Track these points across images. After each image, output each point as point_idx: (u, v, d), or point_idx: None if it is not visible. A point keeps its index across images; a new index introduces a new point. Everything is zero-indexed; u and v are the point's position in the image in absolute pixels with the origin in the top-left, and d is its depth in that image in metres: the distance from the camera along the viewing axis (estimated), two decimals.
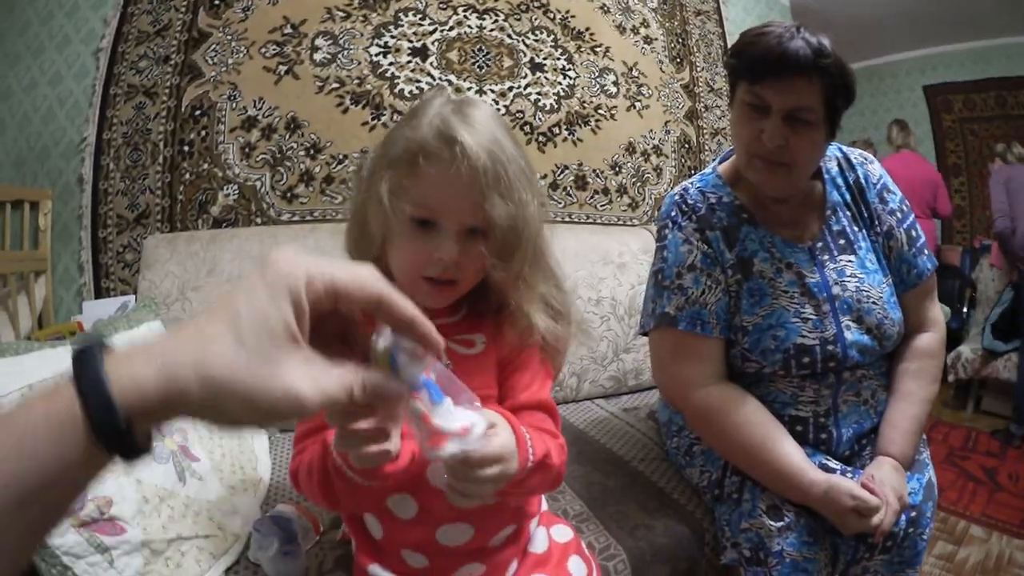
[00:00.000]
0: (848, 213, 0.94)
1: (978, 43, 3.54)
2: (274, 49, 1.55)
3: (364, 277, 0.31)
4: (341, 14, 1.62)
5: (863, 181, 0.95)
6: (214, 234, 1.34)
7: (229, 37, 1.53)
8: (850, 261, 0.91)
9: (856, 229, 0.94)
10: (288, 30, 1.57)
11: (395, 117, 1.62)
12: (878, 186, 0.96)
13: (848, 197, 0.95)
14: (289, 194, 1.55)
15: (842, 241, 0.92)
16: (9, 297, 1.32)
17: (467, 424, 0.41)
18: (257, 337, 0.27)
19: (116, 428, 0.25)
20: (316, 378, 0.29)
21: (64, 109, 1.46)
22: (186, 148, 1.48)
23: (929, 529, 0.87)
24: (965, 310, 2.96)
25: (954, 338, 2.73)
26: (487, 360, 0.68)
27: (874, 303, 0.89)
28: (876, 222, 0.94)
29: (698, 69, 2.14)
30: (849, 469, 0.86)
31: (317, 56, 1.58)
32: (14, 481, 0.23)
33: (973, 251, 3.15)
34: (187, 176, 1.48)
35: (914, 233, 0.95)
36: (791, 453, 0.83)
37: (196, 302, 1.19)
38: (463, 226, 0.60)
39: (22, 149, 1.48)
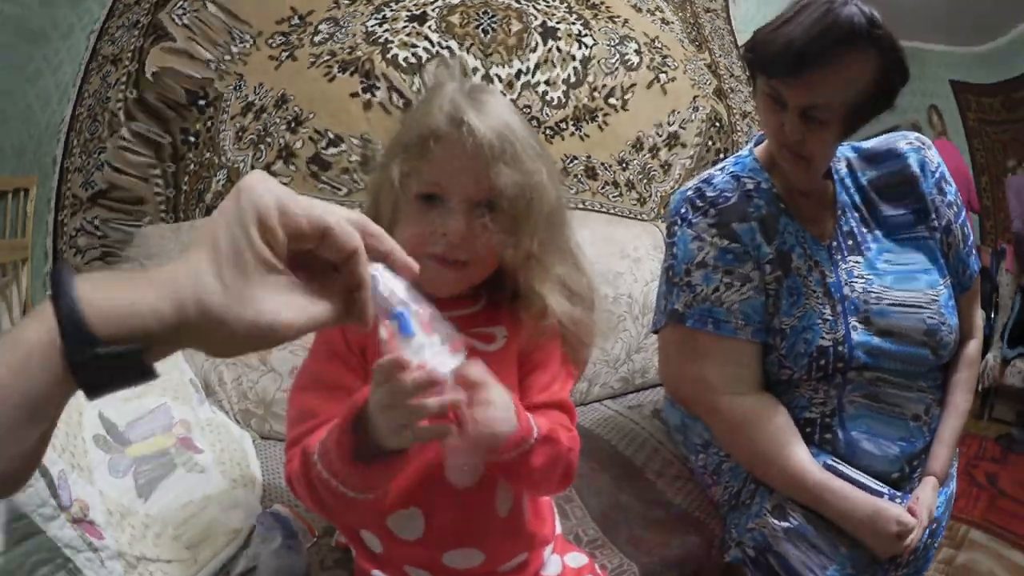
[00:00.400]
0: (856, 214, 0.91)
1: (984, 46, 3.41)
2: (280, 39, 1.51)
3: (344, 213, 0.33)
4: (347, 2, 1.56)
5: (917, 168, 0.89)
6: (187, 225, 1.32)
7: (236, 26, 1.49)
8: (857, 262, 0.88)
9: (864, 231, 0.90)
10: (295, 21, 1.52)
11: (390, 93, 1.54)
12: (936, 175, 0.90)
13: (857, 198, 0.92)
14: (267, 172, 1.49)
15: (850, 242, 0.89)
16: (7, 287, 1.32)
17: (430, 360, 0.42)
18: (232, 265, 0.28)
19: (88, 357, 0.26)
20: (299, 304, 0.31)
21: (58, 94, 1.43)
22: (191, 139, 1.45)
23: (940, 538, 0.87)
24: (993, 315, 2.93)
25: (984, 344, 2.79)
26: (508, 356, 0.65)
27: (899, 305, 0.85)
28: (934, 215, 0.89)
29: (716, 55, 2.03)
30: (898, 494, 0.82)
31: (317, 38, 1.52)
32: (23, 399, 0.26)
33: (997, 253, 3.13)
34: (191, 167, 1.45)
35: (967, 230, 0.92)
36: (830, 479, 0.80)
37: None
38: (469, 200, 0.60)
39: (24, 140, 1.46)
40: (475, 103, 0.59)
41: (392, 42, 1.56)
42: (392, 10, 1.59)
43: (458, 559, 0.63)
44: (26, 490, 0.59)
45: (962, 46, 3.46)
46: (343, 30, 1.55)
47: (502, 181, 0.57)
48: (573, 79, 1.75)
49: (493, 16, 1.67)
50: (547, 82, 1.72)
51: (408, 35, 1.58)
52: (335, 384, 0.61)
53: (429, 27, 1.60)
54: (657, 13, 1.94)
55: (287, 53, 1.50)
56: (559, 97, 1.73)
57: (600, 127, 1.78)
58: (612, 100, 1.79)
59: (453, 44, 1.62)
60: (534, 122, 1.69)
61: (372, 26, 1.56)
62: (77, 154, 1.40)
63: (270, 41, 1.50)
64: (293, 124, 1.49)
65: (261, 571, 0.75)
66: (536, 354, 0.66)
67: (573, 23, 1.76)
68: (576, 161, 1.76)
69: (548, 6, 1.74)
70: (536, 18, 1.72)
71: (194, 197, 1.46)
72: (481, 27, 1.65)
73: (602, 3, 1.83)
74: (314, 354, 0.66)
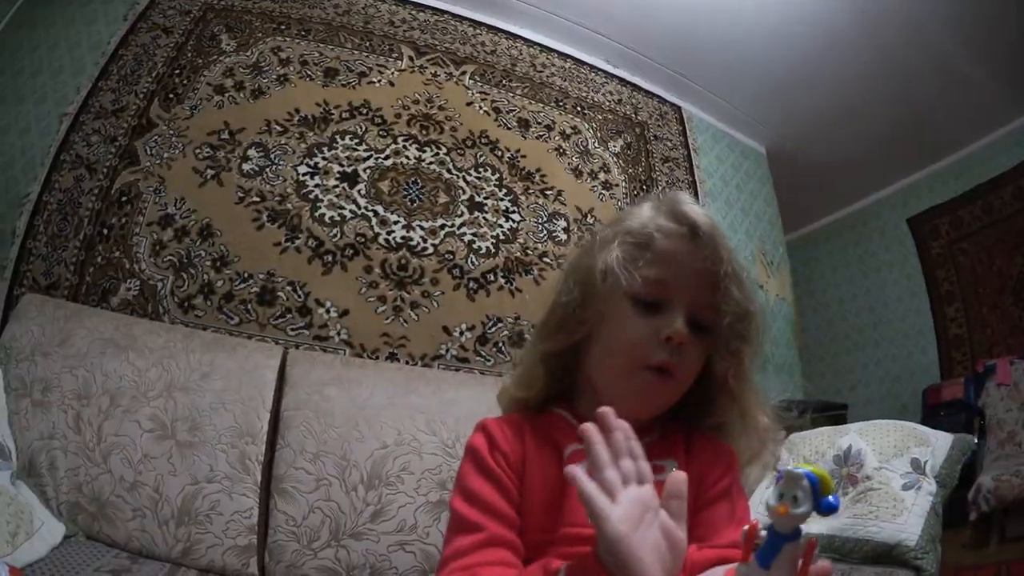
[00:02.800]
0: None
1: (957, 154, 3.39)
2: (207, 152, 1.57)
3: None
4: (278, 128, 1.62)
5: None
6: (78, 308, 1.30)
7: (171, 132, 1.56)
8: None
9: None
10: (225, 135, 1.59)
11: (309, 242, 1.56)
12: None
13: None
14: (186, 304, 1.46)
15: None
16: None
17: None
18: None
19: None
20: None
21: (23, 161, 1.51)
22: (105, 231, 1.47)
23: None
24: (976, 441, 2.91)
25: (965, 476, 2.67)
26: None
27: None
28: None
29: None
30: None
31: (246, 166, 1.59)
32: None
33: (976, 377, 2.91)
34: (99, 259, 1.45)
35: None
36: None
37: (42, 367, 1.11)
38: (693, 308, 0.57)
39: None
40: (687, 201, 0.58)
41: (322, 200, 1.62)
42: (324, 158, 1.66)
43: None
44: None
45: (934, 164, 3.49)
46: (273, 167, 1.61)
47: (732, 300, 0.56)
48: (503, 237, 1.76)
49: (422, 187, 1.74)
50: (475, 234, 1.71)
51: (338, 196, 1.64)
52: (487, 505, 0.55)
53: (359, 191, 1.66)
54: (601, 174, 1.99)
55: (213, 172, 1.55)
56: (488, 247, 1.70)
57: (536, 280, 1.72)
58: (547, 259, 1.77)
59: (379, 208, 1.66)
60: (456, 271, 1.65)
61: (303, 175, 1.62)
62: (43, 244, 1.44)
63: (197, 151, 1.56)
64: (219, 264, 1.50)
65: None
66: (713, 485, 0.58)
67: (501, 199, 1.81)
68: (500, 325, 1.65)
69: (479, 177, 1.80)
70: (464, 191, 1.77)
71: (96, 294, 1.43)
72: (408, 197, 1.71)
73: (538, 171, 1.88)
74: (466, 471, 0.60)
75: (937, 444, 1.39)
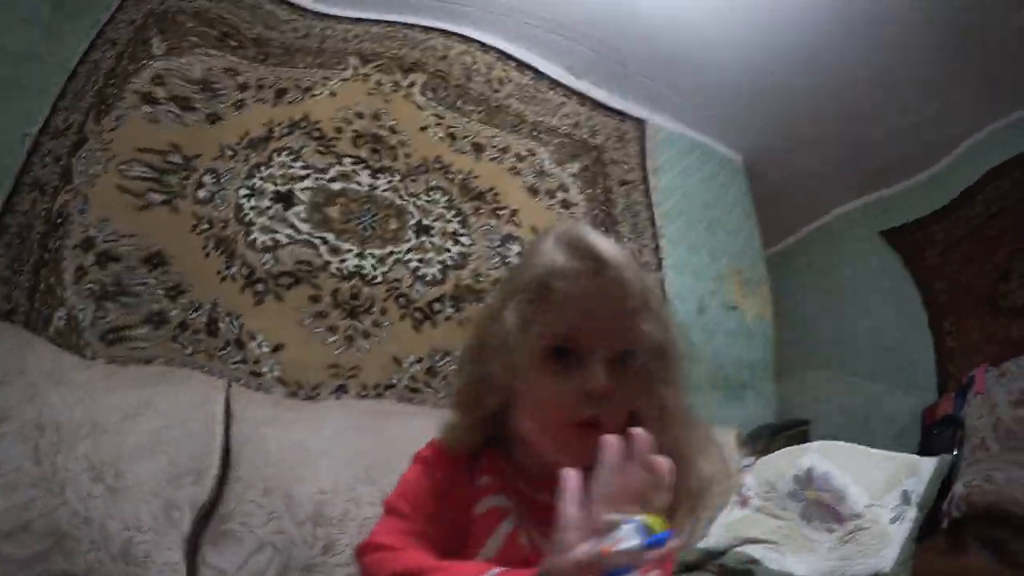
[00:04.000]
0: None
1: (932, 170, 3.40)
2: (141, 171, 1.50)
3: None
4: (230, 152, 1.59)
5: None
6: (30, 337, 1.26)
7: (98, 145, 1.49)
8: None
9: None
10: (177, 159, 1.54)
11: (243, 269, 1.52)
12: None
13: None
14: (111, 336, 1.39)
15: None
16: None
17: None
18: None
19: None
20: None
21: None
22: (46, 255, 1.41)
23: None
24: (955, 452, 2.90)
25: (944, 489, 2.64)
26: None
27: None
28: None
29: (624, 238, 2.04)
30: None
31: (201, 193, 1.55)
32: None
33: (962, 389, 2.88)
34: (42, 285, 1.39)
35: None
36: None
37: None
38: (613, 351, 0.53)
39: None
40: (590, 232, 0.54)
41: (255, 224, 1.57)
42: (261, 178, 1.60)
43: None
44: None
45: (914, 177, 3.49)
46: (222, 192, 1.57)
47: (647, 329, 0.52)
48: (451, 263, 1.73)
49: (375, 214, 1.70)
50: (421, 260, 1.69)
51: (271, 218, 1.58)
52: (417, 506, 0.56)
53: (296, 214, 1.61)
54: (559, 194, 1.98)
55: (164, 199, 1.50)
56: (434, 274, 1.68)
57: None
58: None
59: (330, 235, 1.62)
60: (402, 300, 1.63)
61: (243, 197, 1.58)
62: (3, 267, 1.38)
63: (123, 168, 1.47)
64: (173, 292, 1.45)
65: None
66: None
67: (450, 220, 1.78)
68: (448, 358, 1.62)
69: (428, 200, 1.77)
70: (413, 216, 1.75)
71: (40, 322, 1.37)
72: (361, 225, 1.68)
73: (491, 191, 1.85)
74: (412, 475, 0.60)
75: (923, 470, 1.40)
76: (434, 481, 0.58)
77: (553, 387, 0.53)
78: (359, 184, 1.70)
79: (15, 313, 1.36)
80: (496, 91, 2.08)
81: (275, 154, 1.64)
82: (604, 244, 0.54)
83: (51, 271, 1.41)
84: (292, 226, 1.60)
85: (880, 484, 1.39)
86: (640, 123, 2.42)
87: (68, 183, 1.46)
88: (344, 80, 1.82)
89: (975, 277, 3.27)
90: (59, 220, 1.44)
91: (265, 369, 1.47)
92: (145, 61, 1.61)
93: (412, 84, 1.92)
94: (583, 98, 2.30)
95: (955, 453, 2.66)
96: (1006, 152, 3.10)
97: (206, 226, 1.53)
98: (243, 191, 1.59)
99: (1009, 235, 3.08)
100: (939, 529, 2.27)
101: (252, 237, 1.56)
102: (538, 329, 0.53)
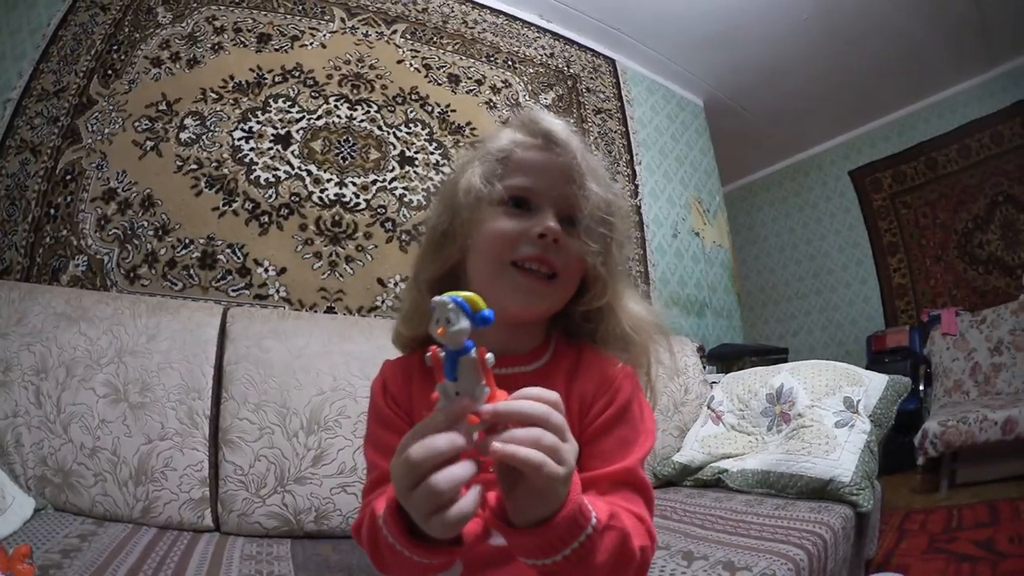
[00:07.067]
0: None
1: (900, 112, 3.54)
2: (146, 124, 1.61)
3: None
4: (213, 95, 1.66)
5: None
6: (31, 287, 1.31)
7: (111, 107, 1.60)
8: None
9: None
10: (163, 107, 1.64)
11: (247, 204, 1.62)
12: None
13: None
14: (132, 274, 1.53)
15: None
16: None
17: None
18: None
19: None
20: None
21: None
22: (52, 211, 1.51)
23: None
24: (922, 388, 2.91)
25: (913, 421, 2.62)
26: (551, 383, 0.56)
27: None
28: None
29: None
30: None
31: (183, 135, 1.64)
32: None
33: (922, 326, 3.11)
34: (47, 239, 1.49)
35: None
36: None
37: (1, 348, 1.14)
38: (561, 208, 0.59)
39: None
40: (546, 114, 0.62)
41: (256, 163, 1.67)
42: (258, 122, 1.71)
43: None
44: None
45: (876, 120, 3.61)
46: (209, 134, 1.66)
47: (594, 198, 0.58)
48: (433, 190, 1.81)
49: (353, 144, 1.79)
50: (406, 188, 1.78)
51: (272, 158, 1.69)
52: (386, 447, 0.57)
53: (292, 152, 1.71)
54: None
55: (152, 143, 1.60)
56: (419, 200, 1.77)
57: None
58: None
59: (312, 168, 1.72)
60: (388, 224, 1.73)
61: (239, 139, 1.68)
62: None
63: (136, 124, 1.60)
64: (160, 232, 1.56)
65: None
66: (600, 414, 0.58)
67: (432, 152, 1.87)
68: None
69: (409, 132, 1.86)
70: (395, 147, 1.83)
71: (48, 273, 1.48)
72: (340, 155, 1.77)
73: (468, 125, 1.93)
74: (369, 414, 0.64)
75: (871, 384, 1.42)
76: (382, 414, 0.62)
77: (504, 227, 0.58)
78: (339, 117, 1.79)
79: (8, 273, 1.45)
80: (471, 28, 2.15)
81: (271, 100, 1.74)
82: (557, 124, 0.61)
83: (62, 224, 1.51)
84: (288, 163, 1.71)
85: (821, 388, 1.44)
86: (611, 60, 2.50)
87: (76, 142, 1.55)
88: (332, 32, 1.91)
89: (945, 223, 3.37)
90: (68, 177, 1.54)
91: (271, 291, 1.59)
92: (152, 30, 1.72)
93: (394, 32, 2.01)
94: (557, 35, 2.36)
95: (921, 387, 2.89)
96: (984, 107, 3.12)
97: (193, 166, 1.62)
98: (238, 134, 1.68)
99: (988, 186, 3.17)
100: (915, 466, 2.39)
101: (255, 175, 1.67)
102: (499, 183, 0.59)
